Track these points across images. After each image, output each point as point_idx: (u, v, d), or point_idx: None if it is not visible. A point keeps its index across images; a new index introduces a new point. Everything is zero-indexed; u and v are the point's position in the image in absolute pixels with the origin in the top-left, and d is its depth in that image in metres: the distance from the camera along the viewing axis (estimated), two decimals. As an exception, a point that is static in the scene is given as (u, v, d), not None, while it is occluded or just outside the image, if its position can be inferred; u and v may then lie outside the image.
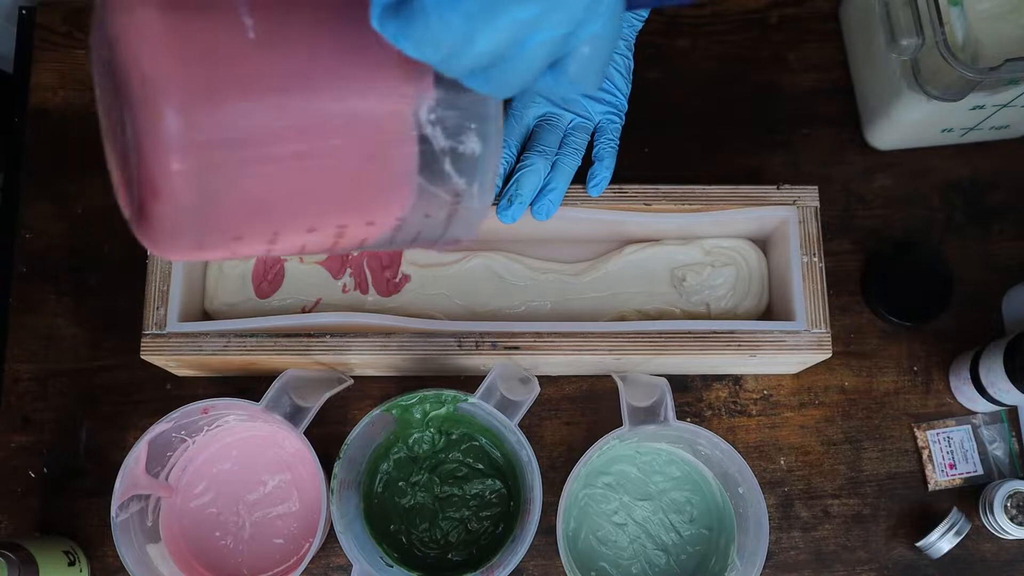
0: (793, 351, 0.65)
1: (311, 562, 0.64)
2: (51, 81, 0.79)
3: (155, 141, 0.33)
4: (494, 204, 0.66)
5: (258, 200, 0.35)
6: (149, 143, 0.33)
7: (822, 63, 0.81)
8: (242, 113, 0.33)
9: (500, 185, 0.65)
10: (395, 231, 0.38)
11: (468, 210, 0.38)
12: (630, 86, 0.68)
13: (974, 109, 0.69)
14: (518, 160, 0.65)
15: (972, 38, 0.66)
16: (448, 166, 0.36)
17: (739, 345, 0.65)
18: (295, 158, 0.34)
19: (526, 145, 0.66)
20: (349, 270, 0.70)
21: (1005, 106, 0.70)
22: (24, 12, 0.81)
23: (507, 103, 0.66)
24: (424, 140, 0.35)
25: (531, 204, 0.65)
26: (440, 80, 0.35)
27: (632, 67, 0.68)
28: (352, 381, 0.68)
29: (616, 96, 0.67)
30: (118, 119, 0.36)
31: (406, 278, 0.70)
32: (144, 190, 0.35)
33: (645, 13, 0.67)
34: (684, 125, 0.79)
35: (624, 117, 0.68)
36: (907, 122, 0.73)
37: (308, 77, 0.34)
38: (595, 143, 0.67)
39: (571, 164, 0.65)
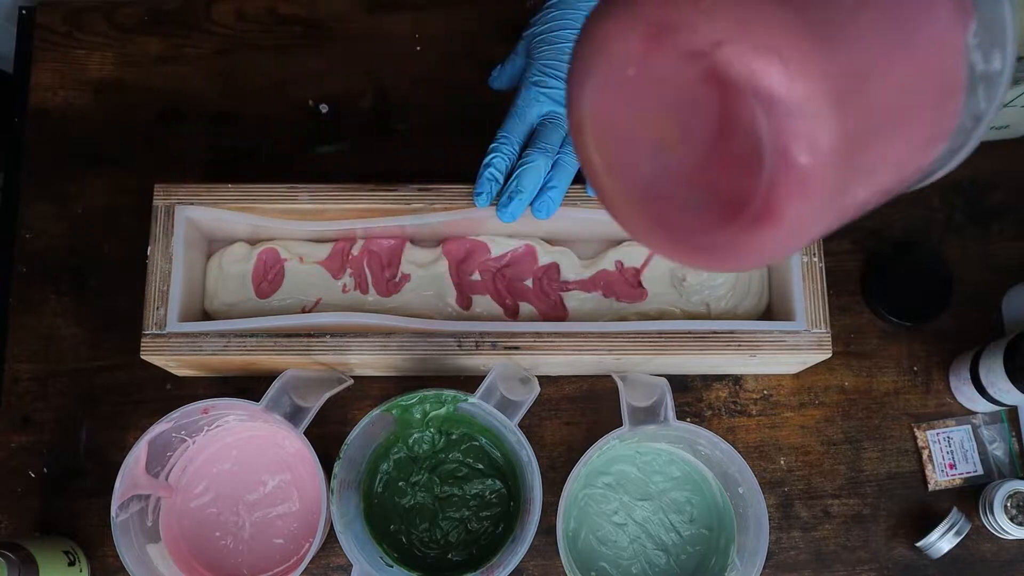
0: (793, 351, 0.65)
1: (311, 562, 0.64)
2: (51, 81, 0.79)
3: (817, 151, 0.32)
4: (494, 202, 0.66)
5: (873, 174, 0.35)
6: (808, 160, 0.32)
7: (822, 63, 0.81)
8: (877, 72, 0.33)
9: (501, 182, 0.65)
10: (928, 168, 0.39)
11: (975, 137, 0.38)
12: None
13: (974, 109, 0.69)
14: (519, 157, 0.65)
15: (972, 38, 0.66)
16: (981, 89, 0.36)
17: (739, 345, 0.65)
18: (903, 95, 0.34)
19: (528, 142, 0.65)
20: (349, 270, 0.69)
21: (1005, 106, 0.70)
22: (24, 12, 0.81)
23: (511, 101, 0.66)
24: (970, 65, 0.36)
25: (531, 202, 0.65)
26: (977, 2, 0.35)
27: None
28: (352, 381, 0.68)
29: None
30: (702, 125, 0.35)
31: (406, 278, 0.70)
32: (782, 200, 0.34)
33: None
34: (684, 125, 0.79)
35: None
36: (907, 122, 0.73)
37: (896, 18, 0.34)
38: None
39: (572, 162, 0.65)
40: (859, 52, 0.33)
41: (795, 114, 0.32)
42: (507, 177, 0.65)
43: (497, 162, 0.64)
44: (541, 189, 0.65)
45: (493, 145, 0.65)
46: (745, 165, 0.34)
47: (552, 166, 0.65)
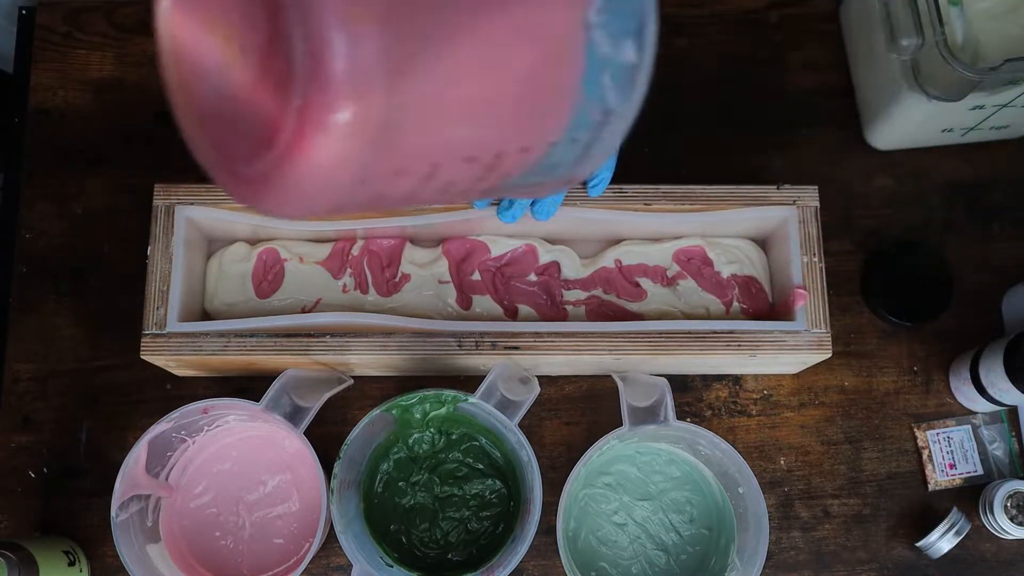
0: (793, 351, 0.65)
1: (311, 562, 0.64)
2: (51, 81, 0.79)
3: (354, 63, 0.29)
4: (494, 203, 0.66)
5: (432, 122, 0.32)
6: (342, 67, 0.30)
7: (822, 63, 0.81)
8: (430, 25, 0.30)
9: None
10: (542, 159, 0.36)
11: (611, 134, 0.36)
12: None
13: (974, 109, 0.69)
14: None
15: (972, 38, 0.66)
16: (607, 78, 0.34)
17: (739, 345, 0.65)
18: (478, 67, 0.31)
19: None
20: (349, 270, 0.70)
21: (1005, 106, 0.70)
22: (24, 12, 0.81)
23: None
24: (590, 49, 0.33)
25: (531, 205, 0.65)
26: None
27: None
28: (352, 381, 0.68)
29: None
30: (256, 46, 0.33)
31: (406, 278, 0.70)
32: (312, 126, 0.31)
33: None
34: (684, 125, 0.79)
35: None
36: (907, 122, 0.73)
37: None
38: None
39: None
40: None
41: (332, 26, 0.29)
42: None
43: None
44: None
45: None
46: (283, 84, 0.31)
47: None
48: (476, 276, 0.70)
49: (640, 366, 0.69)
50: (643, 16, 0.34)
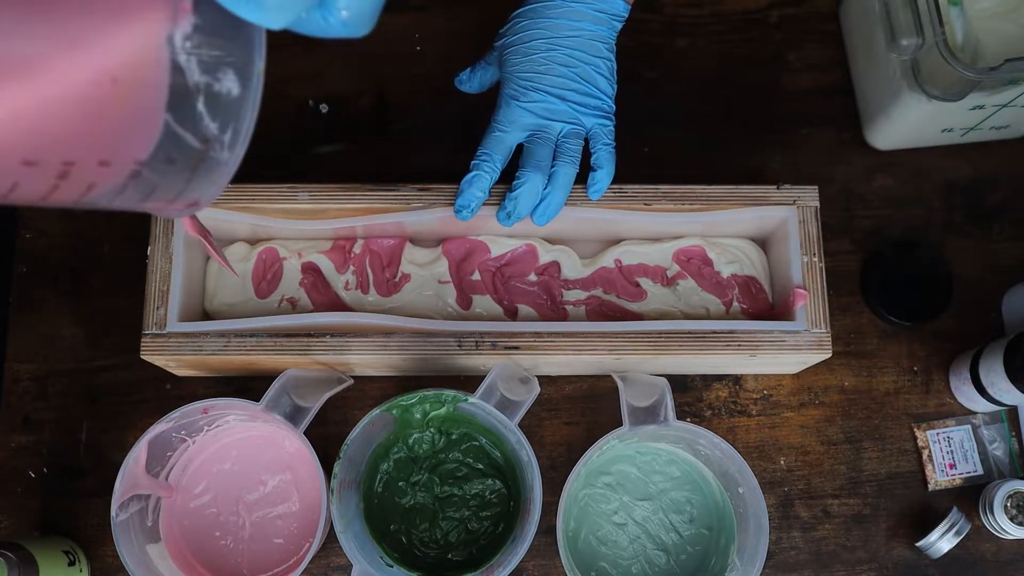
0: (793, 351, 0.65)
1: (311, 562, 0.64)
2: (51, 81, 0.79)
3: None
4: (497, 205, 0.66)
5: None
6: None
7: (822, 63, 0.81)
8: None
9: (484, 199, 0.66)
10: (131, 177, 0.33)
11: (216, 162, 0.34)
12: (615, 87, 0.67)
13: (974, 109, 0.69)
14: (513, 175, 0.65)
15: (972, 38, 0.66)
16: (201, 105, 0.32)
17: (739, 345, 0.65)
18: (20, 66, 0.28)
19: (520, 160, 0.65)
20: (352, 268, 0.70)
21: (1005, 106, 0.70)
22: (24, 12, 0.81)
23: (491, 117, 0.66)
24: (177, 71, 0.31)
25: (531, 213, 0.66)
26: (200, 4, 0.31)
27: (615, 67, 0.66)
28: (352, 381, 0.68)
29: (601, 99, 0.65)
30: None
31: (406, 277, 0.70)
32: None
33: (625, 13, 0.65)
34: (684, 125, 0.79)
35: (614, 118, 0.67)
36: (907, 122, 0.73)
37: None
38: (592, 150, 0.66)
39: (568, 172, 0.65)
40: None
41: None
42: (493, 190, 0.66)
43: (479, 181, 0.65)
44: (539, 203, 0.65)
45: (475, 162, 0.65)
46: None
47: (549, 179, 0.65)
48: (476, 276, 0.70)
49: (640, 366, 0.69)
50: (249, 49, 0.33)
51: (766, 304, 0.70)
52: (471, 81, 0.70)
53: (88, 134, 0.31)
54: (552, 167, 0.64)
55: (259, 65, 0.33)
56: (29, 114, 0.29)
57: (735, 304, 0.70)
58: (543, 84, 0.64)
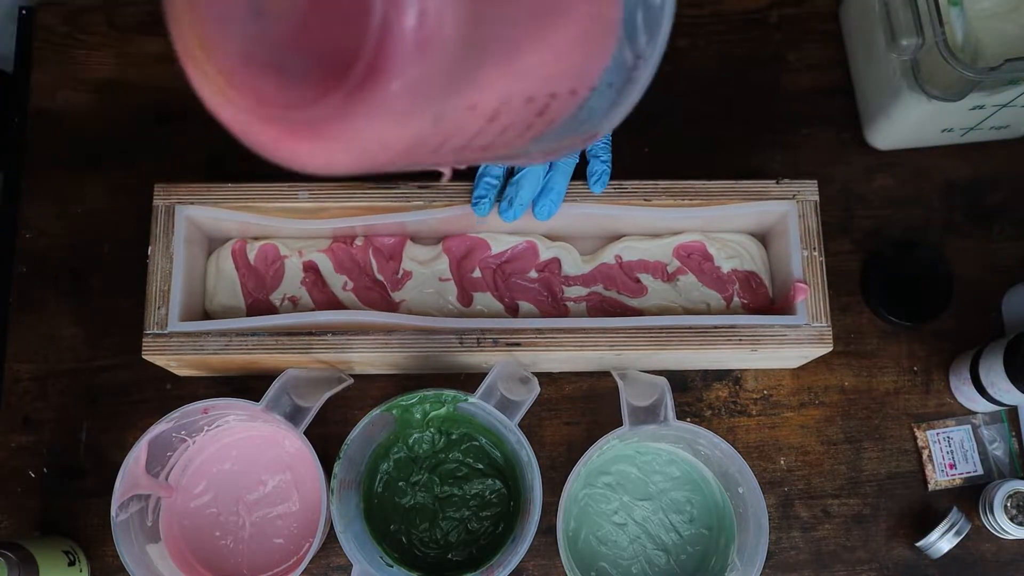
0: (794, 345, 0.65)
1: (311, 562, 0.64)
2: (51, 81, 0.79)
3: None
4: (498, 200, 0.66)
5: (507, 52, 0.32)
6: None
7: (822, 63, 0.81)
8: None
9: (500, 186, 0.65)
10: (582, 106, 0.37)
11: (635, 82, 0.37)
12: None
13: (974, 109, 0.70)
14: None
15: (972, 38, 0.66)
16: (639, 18, 0.35)
17: (740, 340, 0.65)
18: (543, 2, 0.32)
19: None
20: (357, 261, 0.70)
21: (1005, 106, 0.70)
22: (24, 12, 0.81)
23: None
24: None
25: (532, 206, 0.65)
26: None
27: None
28: (352, 380, 0.68)
29: None
30: None
31: (407, 275, 0.70)
32: (395, 44, 0.29)
33: None
34: (684, 125, 0.79)
35: None
36: (907, 122, 0.73)
37: None
38: None
39: (569, 163, 0.65)
40: None
41: None
42: (506, 177, 0.65)
43: (492, 169, 0.64)
44: (540, 192, 0.65)
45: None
46: (353, 14, 0.29)
47: (549, 168, 0.65)
48: (477, 273, 0.70)
49: (641, 362, 0.69)
50: None
51: (767, 299, 0.70)
52: None
53: (574, 66, 0.34)
54: None
55: None
56: (548, 57, 0.32)
57: (736, 299, 0.70)
58: None
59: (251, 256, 0.70)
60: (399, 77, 0.29)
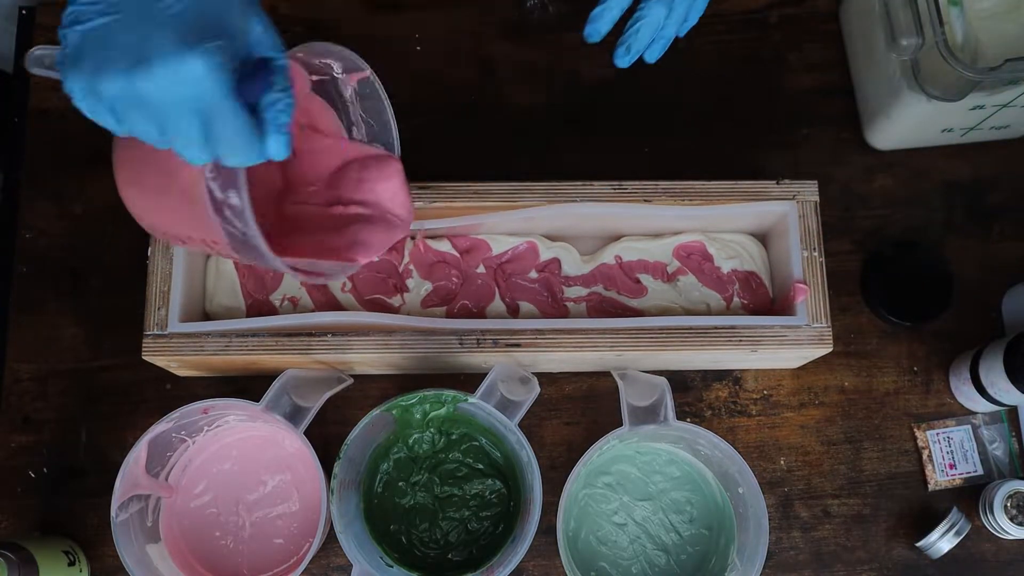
0: (794, 345, 0.65)
1: (311, 562, 0.64)
2: (51, 81, 0.79)
3: None
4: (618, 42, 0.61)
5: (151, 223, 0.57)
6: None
7: (822, 63, 0.81)
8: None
9: (617, 19, 0.60)
10: (232, 249, 0.52)
11: (249, 245, 0.51)
12: None
13: (974, 109, 0.69)
14: (635, 5, 0.62)
15: (972, 38, 0.66)
16: (228, 213, 0.49)
17: (740, 340, 0.65)
18: (168, 209, 0.53)
19: None
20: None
21: (1005, 106, 0.70)
22: (24, 12, 0.81)
23: None
24: (211, 192, 0.49)
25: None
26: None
27: None
28: (352, 380, 0.68)
29: None
30: None
31: (408, 272, 0.70)
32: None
33: None
34: (684, 125, 0.79)
35: None
36: (907, 122, 0.73)
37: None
38: None
39: (682, 7, 0.61)
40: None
41: None
42: (625, 16, 0.61)
43: (614, 3, 0.59)
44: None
45: None
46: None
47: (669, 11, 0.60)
48: (480, 269, 0.70)
49: (641, 362, 0.69)
50: (236, 180, 0.48)
51: (767, 299, 0.70)
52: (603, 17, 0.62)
53: (192, 225, 0.52)
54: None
55: (244, 193, 0.49)
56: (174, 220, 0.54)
57: (736, 299, 0.70)
58: None
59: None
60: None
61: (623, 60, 0.61)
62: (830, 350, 0.66)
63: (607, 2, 0.61)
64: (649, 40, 0.61)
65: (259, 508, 0.69)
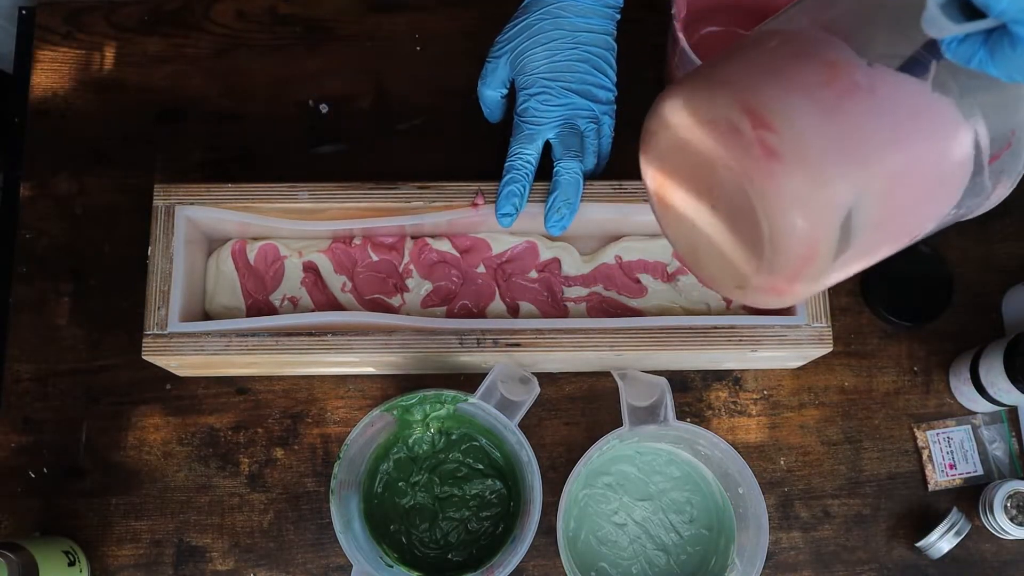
0: (794, 345, 0.65)
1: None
2: (51, 81, 0.79)
3: (810, 248, 0.42)
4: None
5: (874, 250, 0.45)
6: (800, 254, 0.42)
7: (822, 63, 0.81)
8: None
9: (524, 202, 0.66)
10: (941, 222, 0.46)
11: (999, 186, 0.45)
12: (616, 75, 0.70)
13: (974, 109, 0.69)
14: (556, 173, 0.66)
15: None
16: (986, 176, 0.44)
17: (740, 340, 0.65)
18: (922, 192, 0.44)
19: (555, 154, 0.66)
20: (356, 262, 0.70)
21: (1005, 106, 0.70)
22: (24, 12, 0.81)
23: (515, 115, 0.68)
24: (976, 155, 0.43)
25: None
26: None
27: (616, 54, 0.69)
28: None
29: (611, 90, 0.69)
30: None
31: (407, 273, 0.70)
32: (774, 292, 0.45)
33: (621, 3, 0.68)
34: (684, 125, 0.79)
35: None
36: (907, 122, 0.72)
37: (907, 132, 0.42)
38: (599, 137, 0.69)
39: (593, 162, 0.68)
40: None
41: (790, 214, 0.41)
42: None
43: (516, 187, 0.66)
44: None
45: (510, 163, 0.66)
46: (752, 245, 0.45)
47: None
48: (481, 268, 0.70)
49: (641, 362, 0.69)
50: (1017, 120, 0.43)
51: None
52: (493, 111, 0.72)
53: (927, 218, 0.45)
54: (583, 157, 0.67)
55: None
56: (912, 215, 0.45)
57: None
58: (567, 81, 0.66)
59: (251, 256, 0.70)
60: (773, 300, 0.46)
61: (555, 228, 0.67)
62: (830, 350, 0.66)
63: (506, 203, 0.66)
64: (579, 196, 0.67)
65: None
